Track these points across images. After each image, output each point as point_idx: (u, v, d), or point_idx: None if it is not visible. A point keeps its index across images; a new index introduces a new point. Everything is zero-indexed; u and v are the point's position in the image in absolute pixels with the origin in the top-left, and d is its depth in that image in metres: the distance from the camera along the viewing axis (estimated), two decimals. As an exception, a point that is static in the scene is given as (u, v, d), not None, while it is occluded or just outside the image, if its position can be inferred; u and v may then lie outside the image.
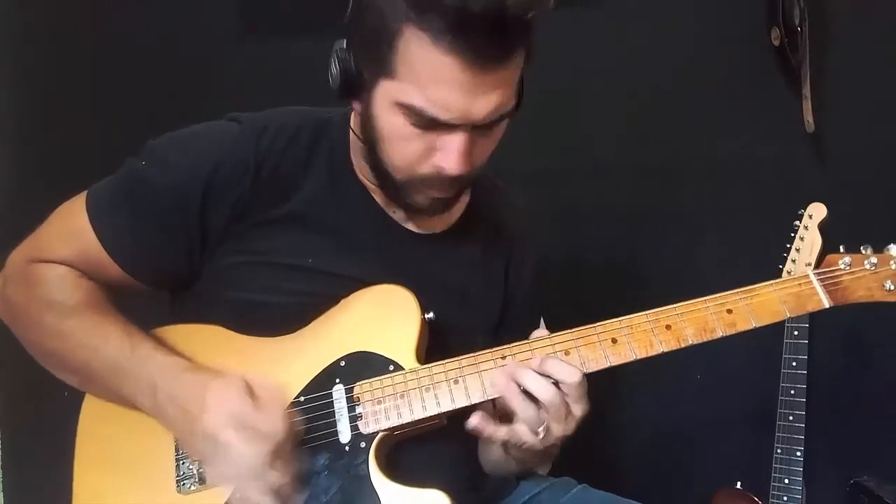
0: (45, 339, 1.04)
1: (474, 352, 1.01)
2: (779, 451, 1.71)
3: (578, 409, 0.96)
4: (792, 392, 1.69)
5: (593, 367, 0.98)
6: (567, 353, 0.98)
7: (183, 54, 1.78)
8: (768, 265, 1.52)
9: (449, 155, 0.96)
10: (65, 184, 1.07)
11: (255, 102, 1.12)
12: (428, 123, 0.94)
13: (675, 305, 1.00)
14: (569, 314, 1.04)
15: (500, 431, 0.97)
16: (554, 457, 1.16)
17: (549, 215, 1.29)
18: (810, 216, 1.51)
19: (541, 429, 0.95)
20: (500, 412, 1.01)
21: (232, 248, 1.06)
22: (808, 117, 1.87)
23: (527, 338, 1.02)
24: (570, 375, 0.95)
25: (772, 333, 1.66)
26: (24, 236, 1.09)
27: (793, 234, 1.53)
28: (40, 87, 1.78)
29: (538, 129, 1.84)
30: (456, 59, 0.89)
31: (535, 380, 0.95)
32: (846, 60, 1.90)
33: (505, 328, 1.18)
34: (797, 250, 1.52)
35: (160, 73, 1.77)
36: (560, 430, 0.96)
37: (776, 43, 1.87)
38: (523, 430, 0.96)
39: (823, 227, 1.49)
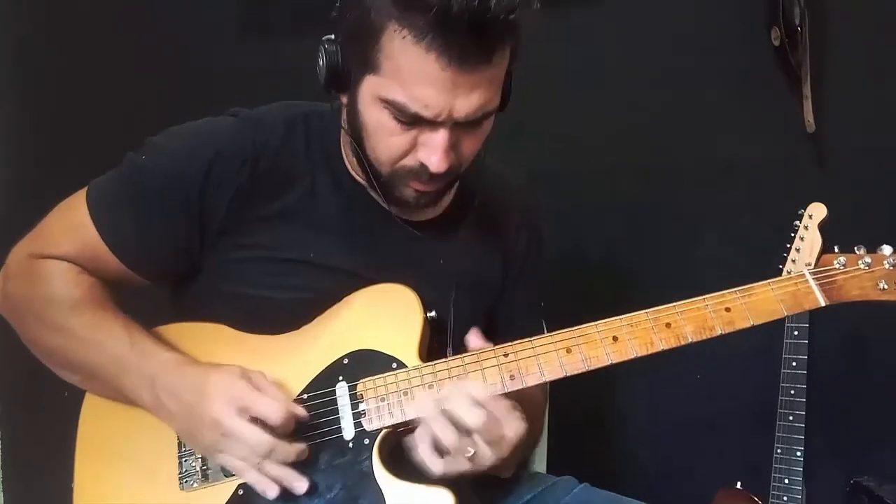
0: (46, 336, 1.05)
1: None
2: (779, 451, 1.71)
3: (511, 431, 0.95)
4: (792, 392, 1.69)
5: (595, 364, 0.98)
6: (569, 350, 0.98)
7: (183, 54, 1.78)
8: (768, 265, 1.51)
9: (431, 151, 0.97)
10: (64, 184, 1.08)
11: (254, 102, 1.13)
12: (411, 119, 0.95)
13: (674, 304, 1.00)
14: (569, 314, 1.04)
15: (436, 465, 0.95)
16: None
17: (549, 215, 1.29)
18: (810, 216, 1.50)
19: (469, 452, 0.93)
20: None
21: (234, 243, 1.06)
22: (808, 117, 1.88)
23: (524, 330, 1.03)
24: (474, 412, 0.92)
25: (772, 334, 1.68)
26: (23, 234, 1.09)
27: (793, 234, 1.52)
28: (39, 87, 1.78)
29: (538, 129, 1.85)
30: (437, 57, 0.89)
31: (462, 406, 0.93)
32: (846, 60, 1.90)
33: (504, 316, 1.19)
34: (797, 250, 1.51)
35: (160, 73, 1.76)
36: (490, 453, 0.94)
37: (776, 43, 1.87)
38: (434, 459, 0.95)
39: (823, 227, 1.48)
